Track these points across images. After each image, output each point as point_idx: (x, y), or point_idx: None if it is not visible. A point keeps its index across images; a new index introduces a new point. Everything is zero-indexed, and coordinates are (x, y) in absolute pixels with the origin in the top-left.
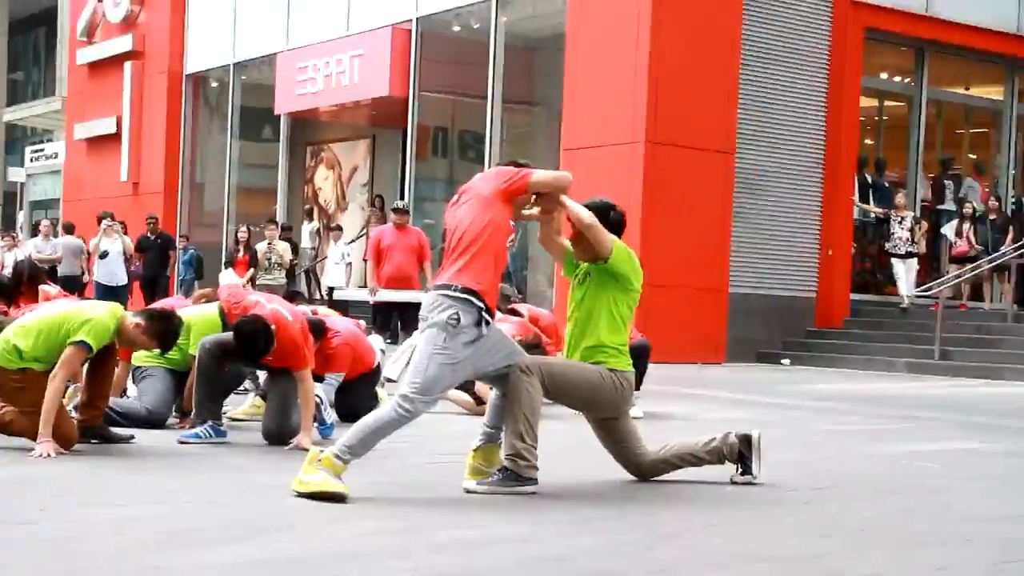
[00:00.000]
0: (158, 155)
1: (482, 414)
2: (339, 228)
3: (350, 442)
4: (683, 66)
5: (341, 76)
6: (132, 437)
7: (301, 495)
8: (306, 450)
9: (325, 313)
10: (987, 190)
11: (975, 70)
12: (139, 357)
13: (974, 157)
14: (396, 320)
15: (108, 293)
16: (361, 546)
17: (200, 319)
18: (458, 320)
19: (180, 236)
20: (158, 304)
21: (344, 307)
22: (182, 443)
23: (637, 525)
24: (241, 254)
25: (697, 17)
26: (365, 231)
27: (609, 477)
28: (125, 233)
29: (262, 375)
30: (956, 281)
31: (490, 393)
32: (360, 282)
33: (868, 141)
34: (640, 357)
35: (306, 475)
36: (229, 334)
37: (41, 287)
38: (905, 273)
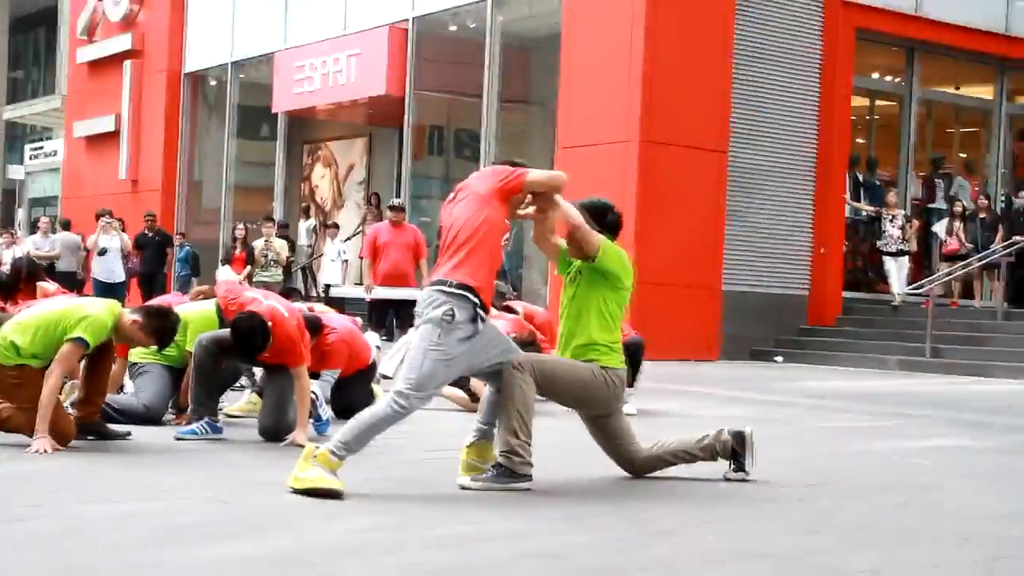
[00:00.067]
0: (157, 153)
1: (476, 410)
2: (335, 226)
3: (345, 438)
4: (677, 66)
5: (338, 75)
6: (129, 434)
7: (297, 491)
8: (302, 446)
9: (321, 310)
10: (977, 189)
11: (965, 70)
12: (136, 354)
13: (964, 156)
14: (392, 317)
15: (106, 290)
16: (356, 542)
17: (197, 316)
18: (453, 316)
19: (176, 233)
20: (155, 301)
21: (340, 304)
22: (179, 439)
23: (631, 522)
24: (238, 251)
25: (691, 17)
26: (361, 228)
27: (603, 474)
28: (123, 230)
29: (258, 372)
30: (947, 279)
31: (484, 389)
32: (356, 279)
33: (860, 140)
34: (634, 354)
35: (301, 471)
36: (226, 331)
37: (39, 284)
38: (897, 271)
